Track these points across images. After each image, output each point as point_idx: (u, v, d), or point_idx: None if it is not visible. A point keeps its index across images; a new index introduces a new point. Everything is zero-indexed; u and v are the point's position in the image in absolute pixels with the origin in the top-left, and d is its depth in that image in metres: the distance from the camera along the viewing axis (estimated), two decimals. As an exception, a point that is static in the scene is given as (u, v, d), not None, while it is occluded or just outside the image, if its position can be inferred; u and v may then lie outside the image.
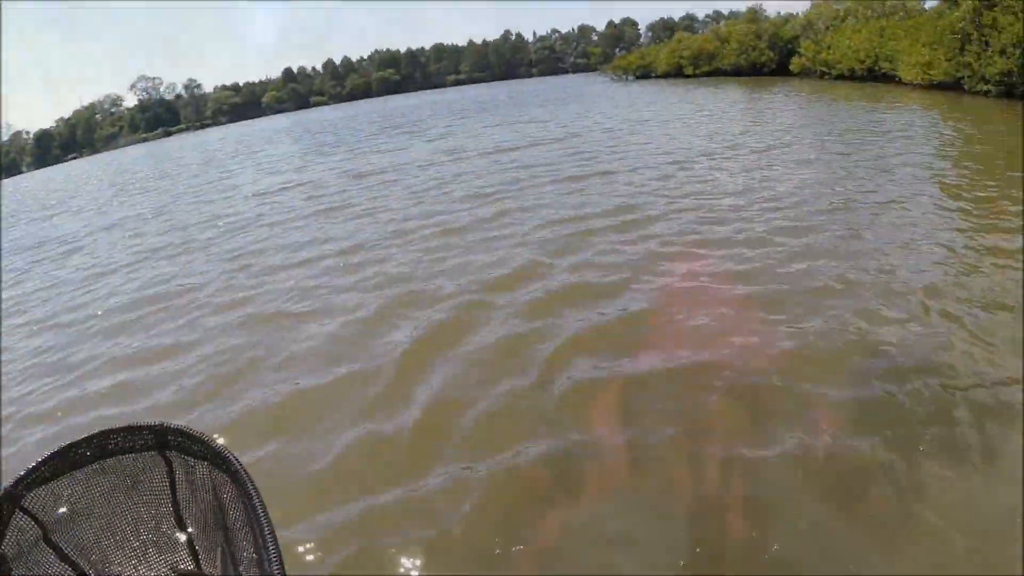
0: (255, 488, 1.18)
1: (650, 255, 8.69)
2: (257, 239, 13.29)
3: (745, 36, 48.42)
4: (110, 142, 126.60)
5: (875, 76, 34.18)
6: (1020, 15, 21.24)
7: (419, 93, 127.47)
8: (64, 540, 1.30)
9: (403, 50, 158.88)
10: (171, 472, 1.34)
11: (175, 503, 1.37)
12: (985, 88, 23.59)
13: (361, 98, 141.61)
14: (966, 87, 25.05)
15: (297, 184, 20.74)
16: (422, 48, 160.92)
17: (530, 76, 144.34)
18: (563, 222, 10.95)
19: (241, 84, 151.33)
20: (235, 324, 8.15)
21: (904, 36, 31.01)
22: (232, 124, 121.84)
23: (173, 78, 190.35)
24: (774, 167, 13.89)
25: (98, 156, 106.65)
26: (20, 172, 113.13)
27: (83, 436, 1.31)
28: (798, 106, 27.27)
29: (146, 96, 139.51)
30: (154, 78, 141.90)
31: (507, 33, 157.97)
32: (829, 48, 39.10)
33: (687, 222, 10.03)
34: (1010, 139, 15.04)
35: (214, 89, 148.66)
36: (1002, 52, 22.08)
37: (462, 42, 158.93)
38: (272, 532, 1.10)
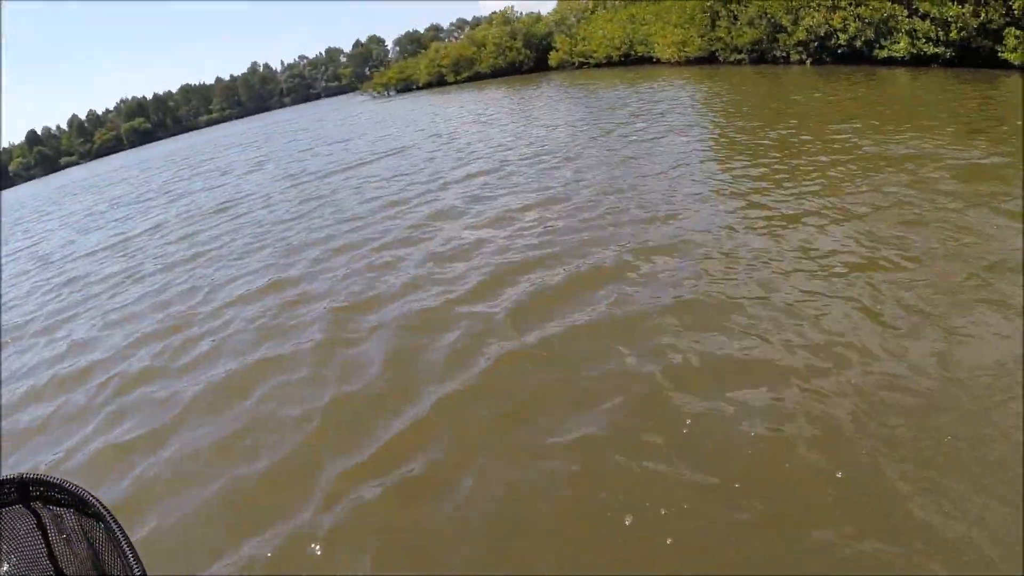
0: (121, 530, 1.11)
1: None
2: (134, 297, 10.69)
3: (500, 38, 49.56)
4: None
5: (633, 60, 36.14)
6: (760, -12, 23.16)
7: (174, 139, 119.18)
8: None
9: (150, 96, 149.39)
10: (41, 524, 1.22)
11: (52, 556, 1.23)
12: (738, 57, 25.63)
13: (113, 152, 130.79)
14: (721, 58, 27.10)
15: (143, 232, 17.31)
16: (169, 92, 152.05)
17: (283, 106, 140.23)
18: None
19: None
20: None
21: (655, 20, 32.98)
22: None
23: None
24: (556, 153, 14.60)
25: None
26: None
27: None
28: (564, 95, 28.33)
29: None
30: None
31: (255, 65, 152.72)
32: (584, 39, 40.82)
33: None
34: (761, 92, 18.24)
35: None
36: (750, 23, 23.98)
37: (210, 80, 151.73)
38: (142, 573, 1.05)
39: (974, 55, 15.40)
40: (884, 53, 18.05)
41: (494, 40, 50.04)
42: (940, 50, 16.19)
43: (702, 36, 27.88)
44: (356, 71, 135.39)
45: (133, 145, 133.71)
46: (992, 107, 11.20)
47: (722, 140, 12.42)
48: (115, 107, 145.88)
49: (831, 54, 20.55)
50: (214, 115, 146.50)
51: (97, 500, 1.15)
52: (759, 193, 8.41)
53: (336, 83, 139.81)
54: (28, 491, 1.20)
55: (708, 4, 26.87)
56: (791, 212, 7.48)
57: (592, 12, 42.21)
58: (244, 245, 12.38)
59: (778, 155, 10.27)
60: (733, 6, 25.07)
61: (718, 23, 26.56)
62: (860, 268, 5.75)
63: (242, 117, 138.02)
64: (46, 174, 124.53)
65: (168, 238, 15.44)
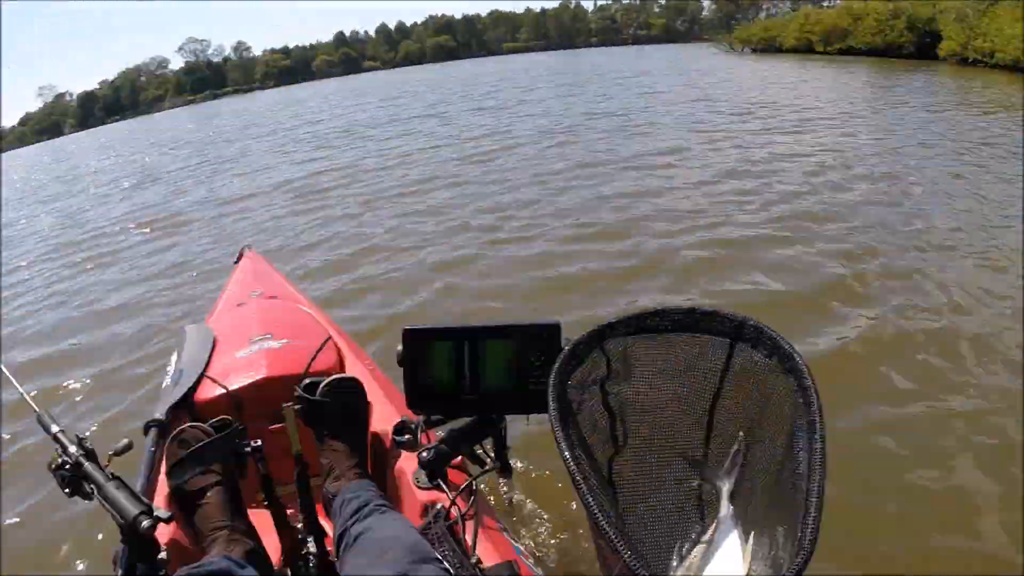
0: (817, 395, 1.10)
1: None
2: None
3: (881, 15, 48.24)
4: (155, 104, 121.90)
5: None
6: None
7: (480, 60, 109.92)
8: (612, 390, 1.37)
9: (458, 16, 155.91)
10: (728, 364, 1.34)
11: (716, 395, 1.37)
12: None
13: (416, 64, 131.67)
14: None
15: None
16: (478, 15, 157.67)
17: (588, 46, 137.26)
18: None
19: (291, 47, 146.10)
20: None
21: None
22: (280, 88, 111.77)
23: (221, 40, 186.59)
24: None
25: (145, 118, 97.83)
26: (62, 134, 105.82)
27: (671, 306, 1.35)
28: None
29: (193, 59, 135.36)
30: (202, 40, 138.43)
31: (566, 1, 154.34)
32: (985, 36, 37.00)
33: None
34: None
35: (263, 52, 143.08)
36: None
37: (519, 9, 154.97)
38: (823, 445, 1.02)
39: None
40: None
41: (876, 15, 48.94)
42: None
43: None
44: (668, 23, 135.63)
45: (436, 60, 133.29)
46: None
47: None
48: (423, 22, 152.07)
49: None
50: (519, 44, 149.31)
51: (801, 359, 1.17)
52: None
53: (645, 31, 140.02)
54: (742, 331, 1.29)
55: None
56: None
57: (995, 3, 38.99)
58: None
59: None
60: None
61: None
62: None
63: (546, 51, 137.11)
64: (346, 74, 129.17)
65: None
